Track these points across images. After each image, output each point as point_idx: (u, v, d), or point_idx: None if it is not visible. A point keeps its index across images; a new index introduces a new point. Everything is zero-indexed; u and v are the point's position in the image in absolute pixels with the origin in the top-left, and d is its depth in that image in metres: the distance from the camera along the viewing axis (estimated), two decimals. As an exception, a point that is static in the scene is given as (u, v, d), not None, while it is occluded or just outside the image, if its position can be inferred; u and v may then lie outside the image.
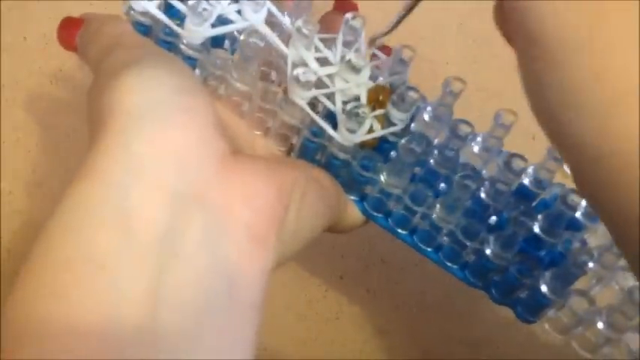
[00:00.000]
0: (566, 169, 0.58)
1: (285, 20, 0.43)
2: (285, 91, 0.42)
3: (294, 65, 0.41)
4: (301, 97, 0.40)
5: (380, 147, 0.43)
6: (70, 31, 0.43)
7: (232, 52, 0.44)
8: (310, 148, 0.43)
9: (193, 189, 0.34)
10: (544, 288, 0.42)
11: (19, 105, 0.64)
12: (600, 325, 0.42)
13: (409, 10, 0.40)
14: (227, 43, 0.45)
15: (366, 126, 0.41)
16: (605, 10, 0.28)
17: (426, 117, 0.44)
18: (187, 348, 0.31)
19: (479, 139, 0.44)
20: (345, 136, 0.41)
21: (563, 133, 0.31)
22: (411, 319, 0.60)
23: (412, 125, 0.44)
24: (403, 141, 0.41)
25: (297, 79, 0.40)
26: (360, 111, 0.40)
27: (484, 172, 0.45)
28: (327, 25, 0.45)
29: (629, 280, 0.43)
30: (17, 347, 0.29)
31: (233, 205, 0.35)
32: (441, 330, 0.60)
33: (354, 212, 0.45)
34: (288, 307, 0.60)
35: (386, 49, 0.46)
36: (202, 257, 0.33)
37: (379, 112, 0.42)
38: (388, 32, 0.42)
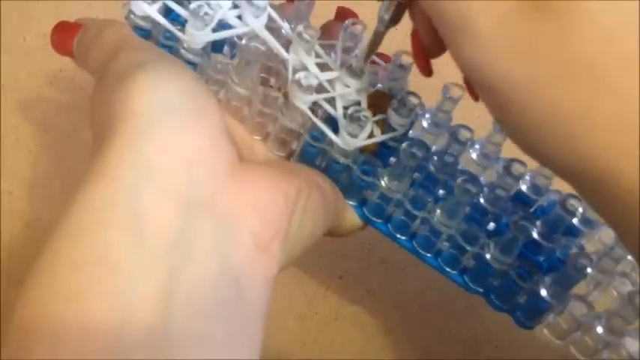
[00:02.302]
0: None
1: (285, 25, 0.43)
2: (286, 96, 0.41)
3: (295, 70, 0.41)
4: (303, 102, 0.40)
5: (380, 152, 0.43)
6: (65, 35, 0.43)
7: (232, 57, 0.44)
8: (311, 153, 0.43)
9: (204, 194, 0.34)
10: (543, 292, 0.42)
11: (19, 105, 0.64)
12: (599, 329, 0.42)
13: (378, 40, 0.41)
14: (226, 48, 0.44)
15: (367, 130, 0.41)
16: (538, 55, 0.30)
17: (425, 123, 0.44)
18: (198, 350, 0.32)
19: (477, 145, 0.44)
20: (346, 141, 0.41)
21: (545, 161, 0.33)
22: (411, 319, 0.60)
23: (411, 132, 0.44)
24: (404, 145, 0.41)
25: (298, 84, 0.40)
26: (361, 115, 0.40)
27: (482, 178, 0.45)
28: (328, 33, 0.45)
29: (628, 285, 0.44)
30: (30, 346, 0.29)
31: (241, 212, 0.35)
32: (441, 330, 0.60)
33: (352, 216, 0.45)
34: (288, 307, 0.60)
35: (385, 57, 0.46)
36: (213, 262, 0.33)
37: (379, 117, 0.42)
38: (370, 54, 0.42)
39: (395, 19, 0.39)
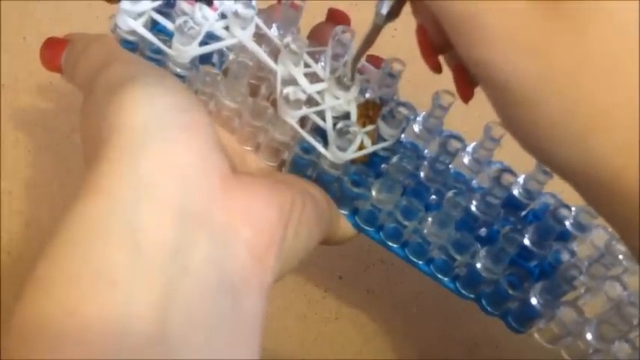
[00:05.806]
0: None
1: (274, 33, 0.42)
2: (274, 104, 0.41)
3: (284, 82, 0.41)
4: (291, 117, 0.40)
5: (371, 161, 0.43)
6: (53, 51, 0.43)
7: (221, 66, 0.43)
8: (301, 164, 0.43)
9: (197, 206, 0.34)
10: (534, 301, 0.42)
11: (19, 105, 0.64)
12: (589, 336, 0.42)
13: (374, 35, 0.40)
14: (215, 57, 0.44)
15: (357, 143, 0.41)
16: (553, 52, 0.29)
17: (416, 128, 0.44)
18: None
19: (469, 149, 0.44)
20: (335, 154, 0.40)
21: (551, 161, 0.32)
22: (411, 319, 0.60)
23: (403, 136, 0.44)
24: (394, 160, 0.41)
25: (286, 99, 0.40)
26: (350, 129, 0.40)
27: (474, 182, 0.45)
28: (318, 36, 0.45)
29: (618, 289, 0.43)
30: (29, 355, 0.30)
31: (235, 224, 0.35)
32: (440, 330, 0.60)
33: (345, 225, 0.45)
34: (287, 307, 0.60)
35: (376, 60, 0.46)
36: (209, 273, 0.33)
37: (369, 128, 0.42)
38: (359, 57, 0.42)
39: (393, 14, 0.38)
